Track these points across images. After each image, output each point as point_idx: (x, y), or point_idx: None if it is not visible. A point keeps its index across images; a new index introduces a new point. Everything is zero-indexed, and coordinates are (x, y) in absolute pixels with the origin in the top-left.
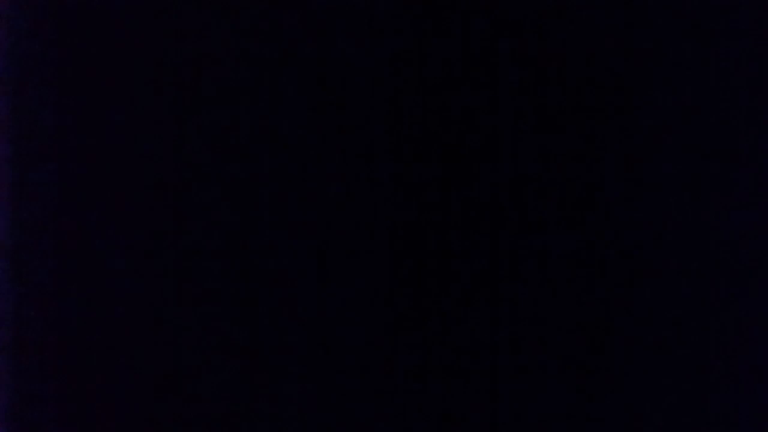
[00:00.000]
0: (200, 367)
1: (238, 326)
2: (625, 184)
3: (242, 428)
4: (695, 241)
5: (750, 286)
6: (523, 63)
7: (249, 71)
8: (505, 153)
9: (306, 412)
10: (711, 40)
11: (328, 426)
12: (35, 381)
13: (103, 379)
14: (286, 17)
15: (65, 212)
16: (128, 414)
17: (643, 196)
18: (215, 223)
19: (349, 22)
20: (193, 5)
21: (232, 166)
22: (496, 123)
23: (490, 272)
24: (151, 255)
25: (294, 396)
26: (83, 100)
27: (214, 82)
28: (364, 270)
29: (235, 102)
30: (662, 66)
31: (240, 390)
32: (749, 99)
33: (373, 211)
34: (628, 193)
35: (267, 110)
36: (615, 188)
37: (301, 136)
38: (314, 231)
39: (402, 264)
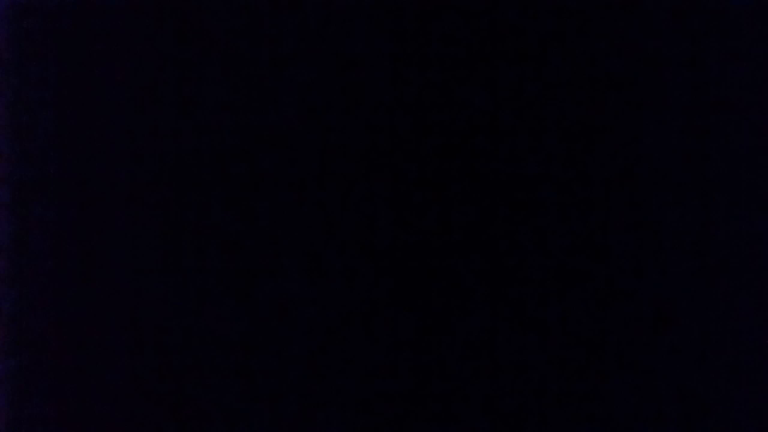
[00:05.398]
0: (200, 366)
1: (237, 325)
2: (625, 184)
3: (242, 428)
4: (695, 241)
5: (751, 284)
6: (523, 63)
7: (249, 71)
8: (505, 151)
9: (306, 412)
10: (711, 40)
11: (328, 425)
12: (35, 381)
13: (102, 378)
14: (286, 17)
15: (65, 212)
16: (128, 414)
17: (644, 197)
18: (215, 223)
19: (349, 22)
20: (194, 5)
21: (232, 166)
22: (495, 123)
23: (490, 271)
24: (151, 254)
25: (293, 396)
26: (83, 100)
27: (214, 82)
28: (364, 268)
29: (235, 102)
30: (663, 65)
31: (240, 390)
32: (750, 99)
33: (373, 210)
34: (629, 192)
35: (267, 110)
36: (615, 188)
37: (301, 135)
38: (314, 231)
39: (401, 263)
